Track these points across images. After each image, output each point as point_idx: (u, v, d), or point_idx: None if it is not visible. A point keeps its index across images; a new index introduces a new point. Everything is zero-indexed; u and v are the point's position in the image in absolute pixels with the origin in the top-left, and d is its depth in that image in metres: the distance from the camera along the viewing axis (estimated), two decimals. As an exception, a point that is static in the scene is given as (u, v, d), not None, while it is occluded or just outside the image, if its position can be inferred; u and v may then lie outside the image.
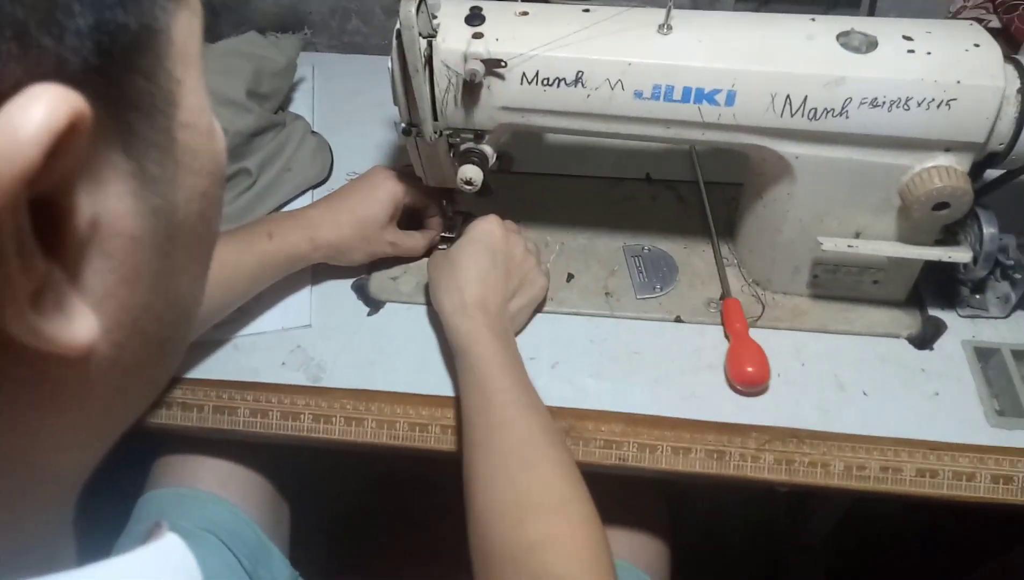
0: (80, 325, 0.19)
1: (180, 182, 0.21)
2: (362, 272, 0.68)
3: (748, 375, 0.59)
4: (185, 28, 0.21)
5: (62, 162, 0.16)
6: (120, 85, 0.18)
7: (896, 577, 1.06)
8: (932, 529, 1.03)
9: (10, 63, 0.16)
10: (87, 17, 0.17)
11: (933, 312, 0.64)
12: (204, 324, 0.59)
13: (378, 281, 0.68)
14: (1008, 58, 0.53)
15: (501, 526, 0.47)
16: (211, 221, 0.24)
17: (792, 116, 0.53)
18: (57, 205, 0.17)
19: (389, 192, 0.64)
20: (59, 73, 0.17)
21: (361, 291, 0.67)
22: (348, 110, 0.83)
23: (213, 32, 0.87)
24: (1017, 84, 0.52)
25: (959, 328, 0.63)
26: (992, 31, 0.55)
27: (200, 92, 0.22)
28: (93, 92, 0.17)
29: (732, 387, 0.60)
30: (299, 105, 0.83)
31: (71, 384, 0.20)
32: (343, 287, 0.68)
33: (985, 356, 0.61)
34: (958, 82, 0.51)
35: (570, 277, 0.68)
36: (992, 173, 0.58)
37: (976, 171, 0.56)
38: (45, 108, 0.16)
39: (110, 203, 0.19)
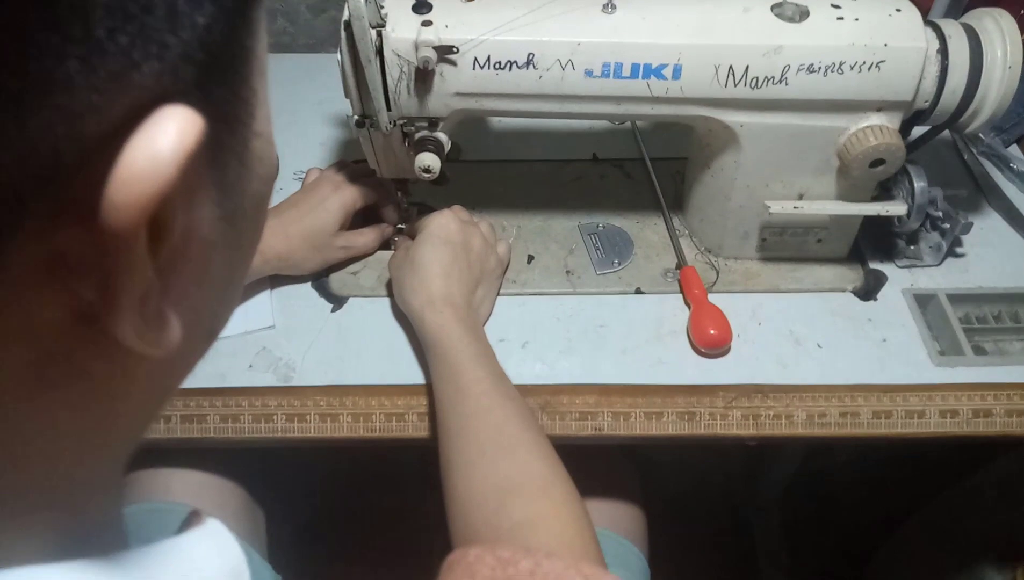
0: (171, 327, 0.19)
1: (248, 188, 0.22)
2: (320, 274, 0.67)
3: (711, 338, 0.61)
4: (263, 40, 0.21)
5: (185, 180, 0.17)
6: (215, 101, 0.19)
7: (847, 526, 1.12)
8: (879, 475, 1.09)
9: (151, 79, 0.16)
10: (198, 35, 0.17)
11: (874, 265, 0.68)
12: None
13: (338, 278, 0.68)
14: (927, 21, 0.56)
15: (483, 511, 0.48)
16: (262, 223, 0.25)
17: (736, 86, 0.56)
18: (161, 217, 0.17)
19: (339, 203, 0.64)
20: (176, 91, 0.17)
21: (322, 289, 0.67)
22: (287, 110, 0.82)
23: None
24: (936, 45, 0.56)
25: (898, 278, 0.67)
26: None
27: (267, 100, 0.23)
28: (198, 108, 0.18)
29: (696, 350, 0.62)
30: (237, 107, 0.82)
31: (141, 375, 0.21)
32: (303, 286, 0.67)
33: (923, 302, 0.66)
34: (885, 45, 0.54)
35: (530, 258, 0.69)
36: (917, 131, 0.62)
37: (905, 128, 0.59)
38: (178, 127, 0.17)
39: (196, 212, 0.19)
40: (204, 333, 0.24)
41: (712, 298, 0.64)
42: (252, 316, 0.64)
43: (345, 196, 0.64)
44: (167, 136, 0.16)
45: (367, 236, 0.67)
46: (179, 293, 0.20)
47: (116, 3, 0.15)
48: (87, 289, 0.17)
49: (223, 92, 0.19)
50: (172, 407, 0.59)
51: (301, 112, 0.82)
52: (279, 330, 0.64)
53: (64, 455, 0.21)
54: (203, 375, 0.61)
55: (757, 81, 0.55)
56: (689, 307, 0.65)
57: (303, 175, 0.75)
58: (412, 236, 0.64)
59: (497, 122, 0.81)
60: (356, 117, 0.58)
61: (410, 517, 0.58)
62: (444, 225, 0.61)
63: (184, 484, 0.64)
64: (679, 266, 0.68)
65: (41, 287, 0.17)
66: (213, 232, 0.21)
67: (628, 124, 0.81)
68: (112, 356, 0.19)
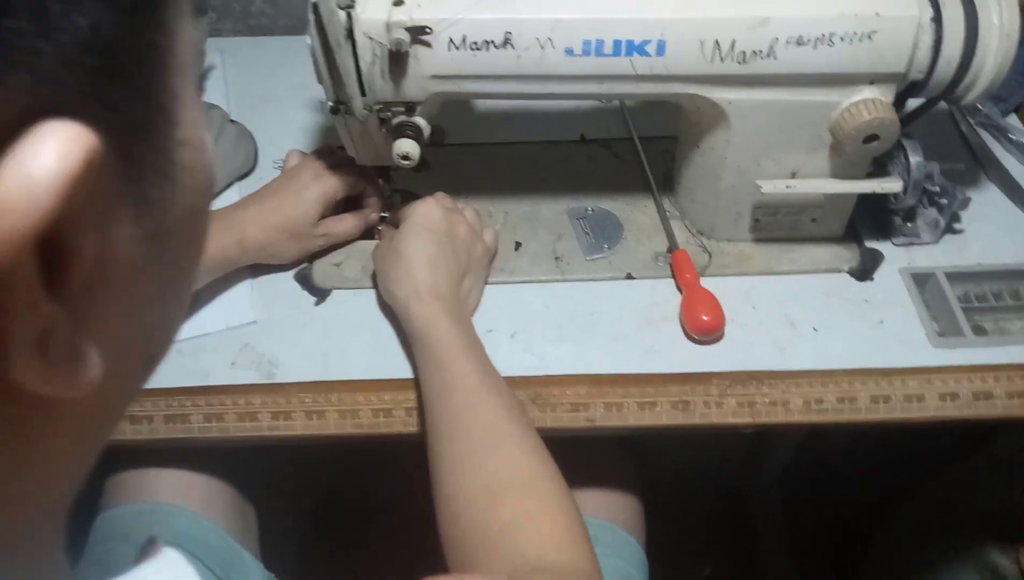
0: (88, 364, 0.17)
1: (176, 202, 0.20)
2: (301, 263, 0.66)
3: (704, 324, 0.59)
4: (185, 37, 0.19)
5: (73, 205, 0.15)
6: (119, 109, 0.16)
7: (847, 506, 1.11)
8: (879, 454, 1.08)
9: (19, 93, 0.14)
10: (81, 38, 0.15)
11: (870, 244, 0.66)
12: None
13: (321, 269, 0.66)
14: (921, -12, 0.54)
15: (472, 509, 0.47)
16: (201, 238, 0.23)
17: (722, 61, 0.54)
18: (60, 244, 0.15)
19: (319, 191, 0.62)
20: (60, 102, 0.15)
21: (305, 281, 0.65)
22: (266, 95, 0.80)
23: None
24: (930, 13, 0.54)
25: (895, 257, 0.65)
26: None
27: (195, 104, 0.20)
28: (94, 121, 0.15)
29: (689, 337, 0.61)
30: (213, 94, 0.80)
31: (65, 414, 0.19)
32: (285, 279, 0.65)
33: (921, 281, 0.64)
34: (877, 14, 0.52)
35: (518, 245, 0.67)
36: (912, 104, 0.60)
37: (898, 101, 0.57)
38: (58, 150, 0.14)
39: (110, 233, 0.17)
40: (140, 359, 0.22)
41: (704, 282, 0.63)
42: (233, 311, 0.63)
43: (326, 185, 0.62)
44: (44, 159, 0.14)
45: (347, 222, 0.65)
46: (98, 323, 0.18)
47: None
48: None
49: (127, 98, 0.17)
50: (154, 407, 0.58)
51: (281, 97, 0.80)
52: (261, 325, 0.62)
53: None
54: (185, 373, 0.59)
55: (744, 56, 0.53)
56: (681, 292, 0.63)
57: (282, 164, 0.73)
58: (396, 225, 0.63)
59: (480, 104, 0.79)
60: (330, 104, 0.56)
61: (404, 509, 0.56)
62: (428, 213, 0.59)
63: (171, 484, 0.63)
64: (670, 249, 0.66)
65: None
66: (135, 253, 0.18)
67: (616, 102, 0.79)
68: (19, 399, 0.17)
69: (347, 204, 0.66)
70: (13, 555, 0.20)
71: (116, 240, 0.17)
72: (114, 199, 0.17)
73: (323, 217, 0.63)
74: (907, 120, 0.59)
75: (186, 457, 0.63)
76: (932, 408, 0.58)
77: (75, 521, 0.62)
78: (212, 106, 0.75)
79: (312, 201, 0.62)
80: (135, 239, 0.18)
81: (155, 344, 0.22)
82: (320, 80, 0.55)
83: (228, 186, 0.72)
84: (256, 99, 0.80)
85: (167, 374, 0.59)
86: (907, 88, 0.57)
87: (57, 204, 0.15)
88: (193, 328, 0.61)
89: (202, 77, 0.79)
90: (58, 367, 0.16)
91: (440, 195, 0.63)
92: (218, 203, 0.71)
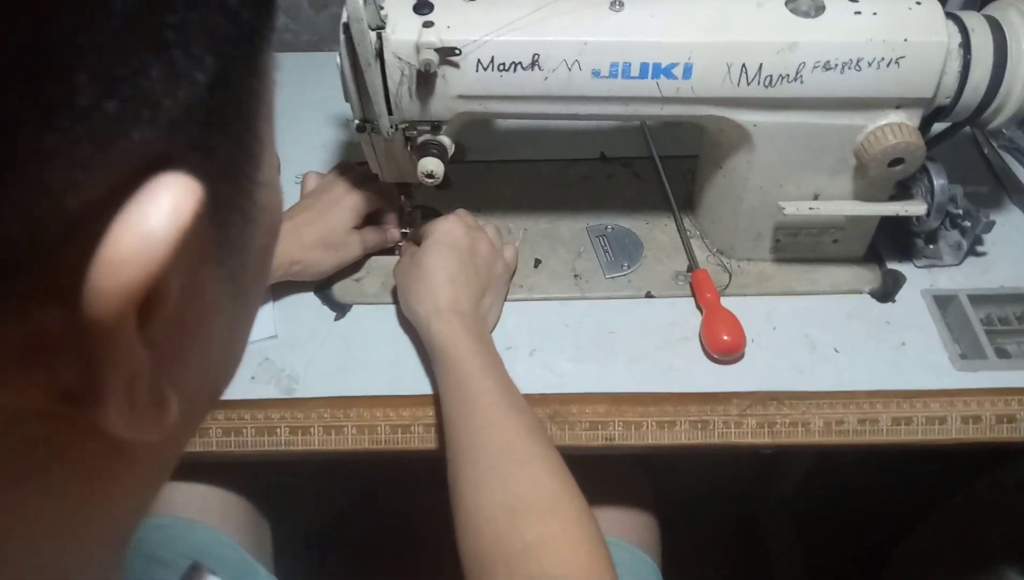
0: (169, 408, 0.17)
1: (253, 242, 0.20)
2: (323, 280, 0.66)
3: (724, 344, 0.59)
4: (271, 79, 0.19)
5: (177, 254, 0.15)
6: (217, 157, 0.17)
7: (862, 524, 1.10)
8: (896, 473, 1.07)
9: (141, 146, 0.14)
10: (199, 93, 0.15)
11: (891, 265, 0.66)
12: None
13: (341, 284, 0.66)
14: (948, 14, 0.54)
15: (493, 529, 0.47)
16: (268, 275, 0.23)
17: (748, 84, 0.54)
18: (155, 291, 0.15)
19: (353, 202, 0.62)
20: (173, 155, 0.15)
21: (325, 296, 0.65)
22: (289, 110, 0.80)
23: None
24: (959, 39, 0.54)
25: (917, 279, 0.65)
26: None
27: (274, 146, 0.20)
28: (198, 170, 0.15)
29: (709, 357, 0.60)
30: (237, 109, 0.80)
31: (135, 455, 0.19)
32: (305, 294, 0.66)
33: (944, 303, 0.63)
34: (905, 40, 0.52)
35: (537, 262, 0.67)
36: (938, 127, 0.59)
37: (924, 125, 0.57)
38: (174, 200, 0.14)
39: (195, 277, 0.17)
40: (206, 399, 0.22)
41: (725, 301, 0.63)
42: (255, 326, 0.63)
43: (358, 198, 0.63)
44: (160, 211, 0.14)
45: (380, 233, 0.66)
46: (178, 367, 0.18)
47: (103, 66, 0.13)
48: (68, 374, 0.15)
49: (226, 146, 0.17)
50: (173, 421, 0.58)
51: (302, 113, 0.80)
52: (281, 340, 0.63)
53: (50, 545, 0.19)
54: (204, 387, 0.59)
55: (771, 79, 0.53)
56: (701, 312, 0.63)
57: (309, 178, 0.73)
58: (417, 241, 0.63)
59: (502, 122, 0.79)
60: (357, 121, 0.57)
61: (418, 530, 0.56)
62: (450, 230, 0.59)
63: (188, 498, 0.63)
64: (690, 269, 0.66)
65: (19, 370, 0.15)
66: (215, 295, 0.19)
67: (637, 122, 0.79)
68: (101, 443, 0.17)
69: (368, 220, 0.67)
70: None
71: (201, 282, 0.18)
72: (205, 243, 0.17)
73: (356, 229, 0.64)
74: (932, 144, 0.59)
75: (203, 471, 0.63)
76: (954, 431, 0.58)
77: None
78: (234, 119, 0.76)
79: (348, 210, 0.62)
80: (216, 279, 0.18)
81: (221, 382, 0.22)
82: (347, 98, 0.55)
83: (249, 199, 0.73)
84: (279, 114, 0.79)
85: (189, 388, 0.59)
86: (933, 112, 0.57)
87: (169, 257, 0.15)
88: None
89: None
90: (142, 412, 0.16)
91: (462, 212, 0.63)
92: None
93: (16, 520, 0.17)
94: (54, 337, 0.15)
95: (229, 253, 0.19)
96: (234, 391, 0.59)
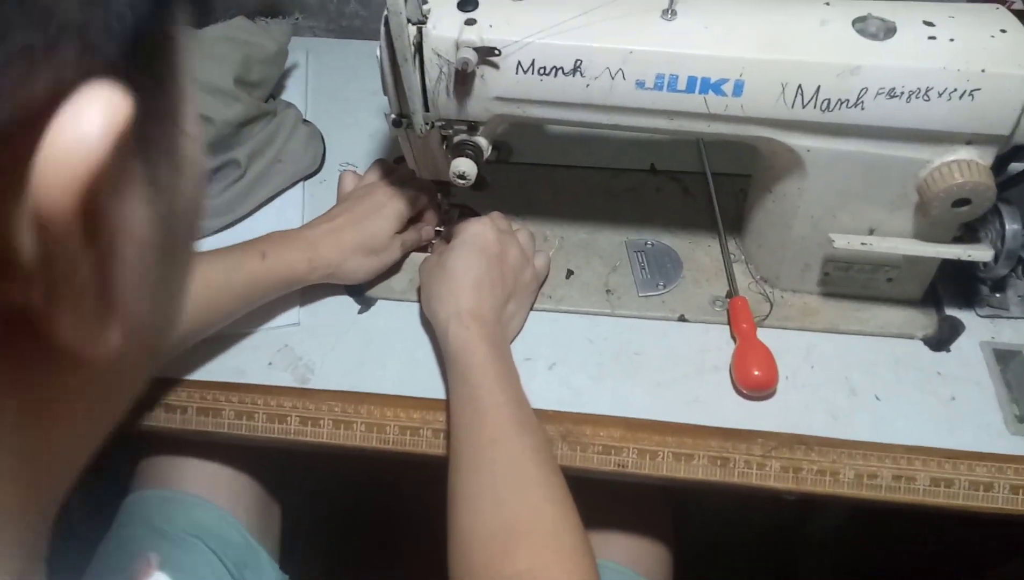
0: (112, 330, 0.19)
1: (180, 190, 0.21)
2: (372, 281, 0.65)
3: (755, 379, 0.56)
4: (186, 35, 0.21)
5: (110, 166, 0.16)
6: (141, 91, 0.18)
7: (904, 573, 1.03)
8: (943, 526, 1.00)
9: (69, 61, 0.16)
10: (128, 23, 0.17)
11: (950, 312, 0.61)
12: (183, 343, 0.56)
13: (370, 278, 0.65)
14: (1036, 44, 0.49)
15: (485, 553, 0.45)
16: (197, 229, 0.24)
17: (804, 107, 0.50)
18: (93, 209, 0.17)
19: (396, 208, 0.61)
20: (100, 73, 0.17)
21: (352, 289, 0.65)
22: (342, 98, 0.80)
23: (200, 18, 0.84)
24: (1045, 72, 0.49)
25: (978, 329, 0.60)
26: (1018, 14, 0.52)
27: (195, 100, 0.22)
28: (121, 87, 0.17)
29: (738, 391, 0.57)
30: (291, 93, 0.81)
31: (77, 389, 0.20)
32: (332, 285, 0.65)
33: (1005, 358, 0.58)
34: (983, 71, 0.48)
35: (570, 273, 0.65)
36: (1016, 166, 0.55)
37: (999, 165, 0.52)
38: (104, 108, 0.16)
39: (129, 209, 0.19)
40: (143, 348, 0.22)
41: (762, 333, 0.59)
42: (279, 311, 0.63)
43: (401, 203, 0.62)
44: (93, 113, 0.16)
45: (418, 231, 0.65)
46: (115, 295, 0.19)
47: None
48: (22, 282, 0.17)
49: (148, 83, 0.18)
50: (189, 398, 0.59)
51: (355, 101, 0.80)
52: (303, 328, 0.62)
53: None
54: (222, 369, 0.60)
55: (828, 104, 0.50)
56: (735, 341, 0.60)
57: (347, 166, 0.73)
58: (449, 240, 0.62)
59: (551, 125, 0.77)
60: (394, 116, 0.56)
61: (427, 529, 0.55)
62: (480, 233, 0.58)
63: (200, 475, 0.63)
64: (729, 295, 0.63)
65: None
66: (147, 233, 0.20)
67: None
68: (46, 360, 0.19)
69: (408, 221, 0.66)
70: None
71: (132, 216, 0.19)
72: (132, 174, 0.19)
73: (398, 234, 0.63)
74: (1005, 185, 0.54)
75: (217, 450, 0.64)
76: (1001, 500, 0.53)
77: (107, 499, 0.64)
78: (288, 105, 0.76)
79: (390, 217, 0.61)
80: (149, 220, 0.20)
81: (155, 335, 0.23)
82: (385, 92, 0.55)
83: (293, 185, 0.73)
84: (332, 101, 0.80)
85: (205, 367, 0.60)
86: (1010, 152, 0.52)
87: (106, 157, 0.16)
88: (236, 324, 0.61)
89: (283, 76, 0.79)
90: (86, 319, 0.18)
91: (495, 215, 0.61)
92: (282, 200, 0.72)
93: None
94: (8, 246, 0.16)
95: (160, 195, 0.20)
96: (250, 375, 0.59)
